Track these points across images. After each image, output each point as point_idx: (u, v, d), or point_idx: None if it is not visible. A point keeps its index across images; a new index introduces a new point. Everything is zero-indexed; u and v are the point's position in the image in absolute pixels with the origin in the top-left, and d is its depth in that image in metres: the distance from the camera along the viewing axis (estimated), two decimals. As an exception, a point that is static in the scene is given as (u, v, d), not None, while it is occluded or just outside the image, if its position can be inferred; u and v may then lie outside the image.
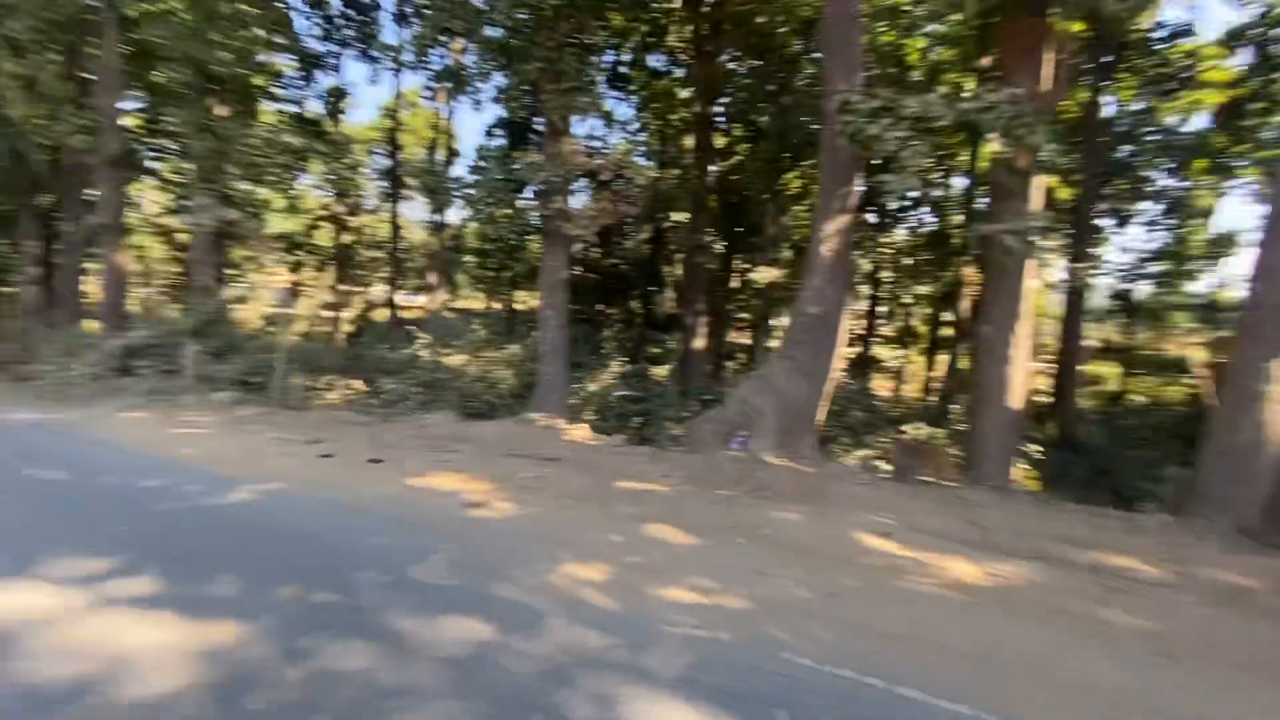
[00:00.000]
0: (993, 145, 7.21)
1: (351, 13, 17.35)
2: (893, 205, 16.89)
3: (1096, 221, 15.63)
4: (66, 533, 4.33)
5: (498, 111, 16.84)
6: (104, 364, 10.75)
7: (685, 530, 5.16)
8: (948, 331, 18.59)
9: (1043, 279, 15.70)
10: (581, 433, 9.05)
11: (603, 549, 4.65)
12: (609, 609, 3.72)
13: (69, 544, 4.08)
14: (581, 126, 18.70)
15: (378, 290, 23.27)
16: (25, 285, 15.30)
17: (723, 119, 17.28)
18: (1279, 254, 6.07)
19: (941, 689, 3.07)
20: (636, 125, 18.96)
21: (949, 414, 14.73)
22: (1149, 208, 16.05)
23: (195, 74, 11.95)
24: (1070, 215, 14.82)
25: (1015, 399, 7.56)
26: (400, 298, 21.59)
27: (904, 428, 12.82)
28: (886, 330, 21.74)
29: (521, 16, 9.53)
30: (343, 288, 22.05)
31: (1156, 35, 13.90)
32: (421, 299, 22.56)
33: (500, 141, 13.52)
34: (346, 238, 21.29)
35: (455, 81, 11.96)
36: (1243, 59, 13.49)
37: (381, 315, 20.54)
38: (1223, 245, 15.89)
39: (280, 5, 14.38)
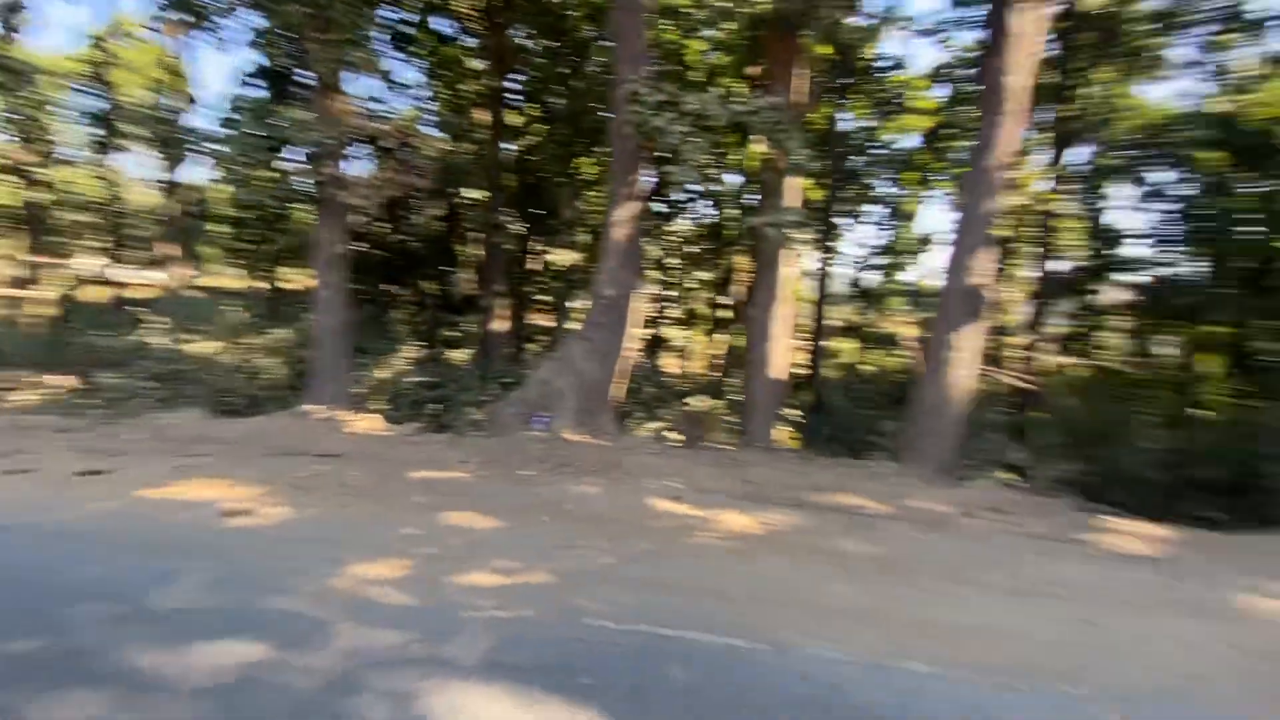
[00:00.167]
0: (759, 146, 8.12)
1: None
2: (677, 196, 18.15)
3: (837, 220, 18.50)
4: None
5: (255, 58, 14.45)
6: None
7: (486, 514, 5.06)
8: (725, 313, 20.62)
9: (799, 267, 18.22)
10: (368, 424, 8.34)
11: (395, 544, 4.36)
12: (404, 605, 3.52)
13: None
14: (358, 86, 16.90)
15: (88, 263, 18.71)
16: None
17: (518, 96, 16.92)
18: (964, 251, 7.74)
19: (722, 628, 3.46)
20: (427, 93, 17.69)
21: (727, 387, 16.41)
22: (875, 210, 19.46)
23: None
24: (819, 213, 17.31)
25: (778, 371, 8.70)
26: (124, 273, 17.61)
27: (690, 401, 13.99)
28: (674, 313, 23.44)
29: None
30: (37, 259, 17.32)
31: (879, 65, 16.74)
32: (156, 275, 18.67)
33: (259, 93, 11.62)
34: (37, 195, 16.71)
35: (189, 13, 9.97)
36: (942, 92, 16.92)
37: (97, 294, 16.59)
38: (925, 243, 19.93)
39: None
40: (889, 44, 17.61)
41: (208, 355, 10.77)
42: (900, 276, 19.65)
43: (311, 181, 9.85)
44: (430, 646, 3.08)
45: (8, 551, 3.91)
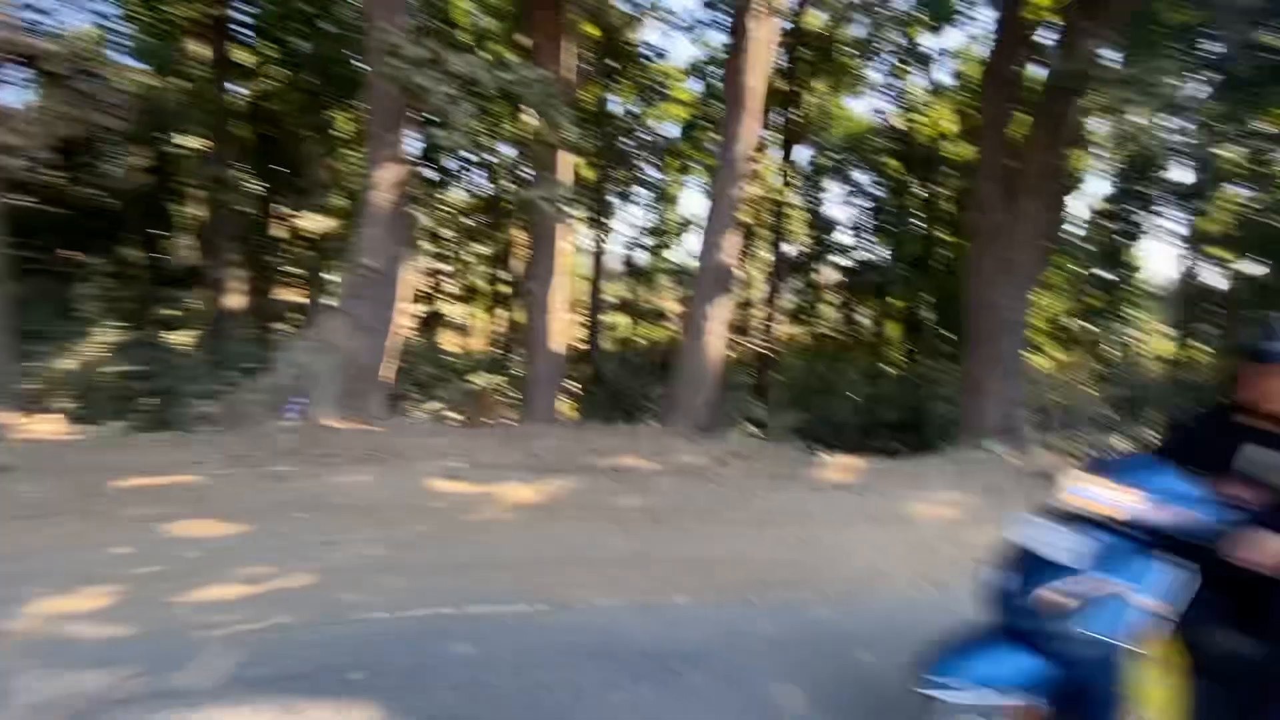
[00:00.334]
0: (530, 119, 8.09)
1: None
2: (450, 164, 17.25)
3: (609, 199, 19.31)
4: None
5: None
6: None
7: (229, 519, 4.40)
8: (505, 288, 20.34)
9: (574, 243, 18.66)
10: (50, 427, 6.61)
11: (101, 568, 3.59)
12: (118, 637, 2.94)
13: None
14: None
15: None
16: None
17: (246, 30, 14.36)
18: (715, 234, 8.65)
19: (505, 596, 3.52)
20: (115, 9, 14.05)
21: (509, 363, 16.30)
22: (644, 192, 20.71)
23: None
24: (593, 192, 17.87)
25: (558, 345, 8.90)
26: None
27: (471, 378, 13.62)
28: (453, 287, 22.40)
29: None
30: None
31: (643, 53, 17.67)
32: None
33: None
34: None
35: None
36: (698, 86, 18.44)
37: None
38: (687, 225, 21.80)
39: None
40: (651, 34, 18.66)
41: None
42: (667, 255, 21.24)
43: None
44: (155, 679, 2.62)
45: None
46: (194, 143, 14.54)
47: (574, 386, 13.13)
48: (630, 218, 25.83)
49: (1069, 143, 9.99)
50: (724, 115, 8.62)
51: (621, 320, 21.64)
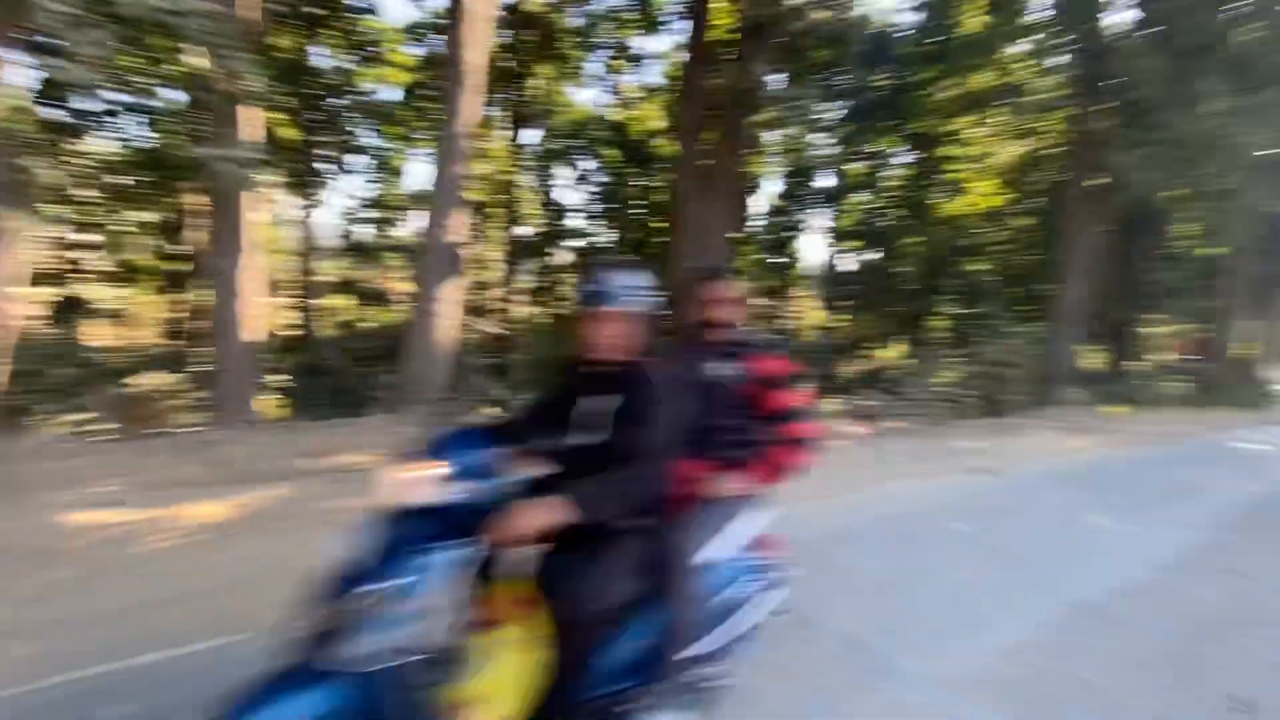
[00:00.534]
0: (198, 60, 6.65)
1: None
2: (86, 104, 13.32)
3: (318, 165, 17.04)
4: None
5: None
6: None
7: None
8: (182, 265, 16.64)
9: (273, 214, 16.06)
10: None
11: None
12: None
13: None
14: None
15: None
16: None
17: None
18: (441, 210, 8.25)
19: (187, 635, 2.97)
20: None
21: (190, 357, 13.46)
22: (362, 161, 18.68)
23: None
24: (297, 156, 15.55)
25: (254, 333, 7.63)
26: None
27: (133, 378, 10.91)
28: (101, 265, 17.44)
29: None
30: None
31: (351, 4, 15.79)
32: None
33: None
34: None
35: None
36: (419, 50, 17.10)
37: None
38: (415, 200, 20.31)
39: None
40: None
41: None
42: (392, 232, 19.66)
43: None
44: None
45: None
46: None
47: (282, 380, 11.44)
48: (350, 189, 23.19)
49: (749, 149, 11.89)
50: (445, 86, 8.23)
51: (343, 302, 19.45)
